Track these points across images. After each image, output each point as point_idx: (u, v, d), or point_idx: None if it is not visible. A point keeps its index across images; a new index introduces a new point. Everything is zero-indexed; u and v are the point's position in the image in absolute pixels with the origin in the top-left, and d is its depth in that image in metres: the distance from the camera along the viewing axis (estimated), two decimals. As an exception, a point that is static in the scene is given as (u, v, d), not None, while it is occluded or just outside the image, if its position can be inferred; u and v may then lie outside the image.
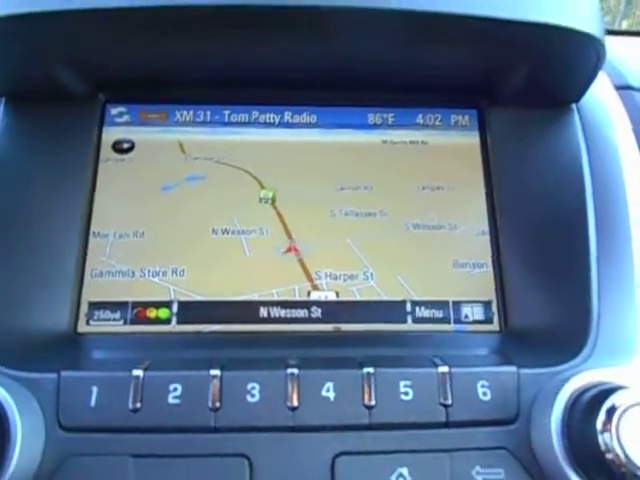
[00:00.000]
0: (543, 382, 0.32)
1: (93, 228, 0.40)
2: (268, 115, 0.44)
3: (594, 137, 0.41)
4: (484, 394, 0.32)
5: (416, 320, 0.39)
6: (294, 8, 0.32)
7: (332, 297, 0.39)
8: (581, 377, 0.31)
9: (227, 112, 0.44)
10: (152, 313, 0.38)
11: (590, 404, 0.28)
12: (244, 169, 0.42)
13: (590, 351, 0.33)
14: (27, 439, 0.29)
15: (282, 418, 0.31)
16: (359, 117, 0.44)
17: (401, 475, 0.30)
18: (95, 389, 0.31)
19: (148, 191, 0.41)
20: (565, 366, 0.33)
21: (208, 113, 0.44)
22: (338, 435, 0.31)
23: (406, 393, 0.31)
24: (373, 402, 0.31)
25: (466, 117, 0.45)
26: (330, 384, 0.31)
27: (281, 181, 0.42)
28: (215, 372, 0.31)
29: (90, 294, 0.39)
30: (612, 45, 0.41)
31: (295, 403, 0.31)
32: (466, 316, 0.39)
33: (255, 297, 0.39)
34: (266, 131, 0.44)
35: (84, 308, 0.38)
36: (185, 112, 0.44)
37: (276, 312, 0.39)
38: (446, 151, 0.44)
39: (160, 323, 0.38)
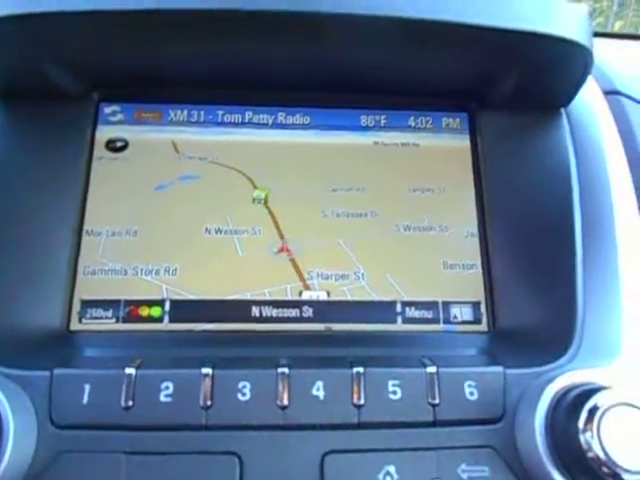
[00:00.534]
0: (528, 382, 0.33)
1: (86, 226, 0.40)
2: (262, 116, 0.44)
3: (582, 141, 0.42)
4: (471, 394, 0.32)
5: (406, 320, 0.40)
6: (292, 14, 0.33)
7: (323, 297, 0.40)
8: (565, 377, 0.31)
9: (221, 112, 0.44)
10: (144, 311, 0.39)
11: (573, 404, 0.29)
12: (237, 169, 0.43)
13: (575, 352, 0.34)
14: (19, 436, 0.29)
15: (272, 417, 0.31)
16: (352, 119, 0.45)
17: (388, 473, 0.30)
18: (87, 387, 0.31)
19: (141, 190, 0.42)
20: (550, 366, 0.33)
21: (202, 113, 0.44)
22: (327, 434, 0.31)
23: (395, 392, 0.32)
24: (362, 401, 0.32)
25: (457, 120, 0.45)
26: (320, 383, 0.32)
27: (274, 181, 0.42)
28: (207, 371, 0.32)
29: (83, 292, 0.39)
30: (601, 48, 0.42)
31: (285, 402, 0.31)
32: (455, 317, 0.40)
33: (247, 296, 0.39)
34: (259, 131, 0.44)
35: (76, 306, 0.38)
36: (179, 112, 0.44)
37: (268, 311, 0.39)
38: (437, 153, 0.44)
39: (152, 321, 0.39)
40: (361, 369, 0.32)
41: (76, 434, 0.31)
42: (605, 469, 0.27)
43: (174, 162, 0.43)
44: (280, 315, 0.39)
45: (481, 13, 0.33)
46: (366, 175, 0.43)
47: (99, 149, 0.42)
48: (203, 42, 0.37)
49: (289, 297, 0.39)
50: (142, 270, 0.39)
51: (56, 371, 0.32)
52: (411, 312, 0.40)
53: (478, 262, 0.41)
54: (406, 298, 0.40)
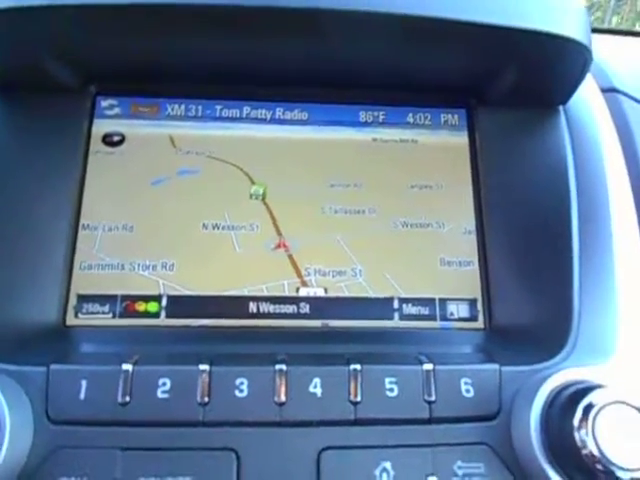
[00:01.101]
0: (524, 379, 0.33)
1: (83, 221, 0.40)
2: (260, 111, 0.44)
3: (579, 138, 0.42)
4: (467, 391, 0.32)
5: (403, 317, 0.40)
6: (291, 10, 0.32)
7: (321, 293, 0.40)
8: (560, 375, 0.32)
9: (219, 107, 0.44)
10: (141, 307, 0.39)
11: (568, 402, 0.29)
12: (235, 164, 0.43)
13: (570, 350, 0.34)
14: (16, 432, 0.29)
15: (270, 413, 0.31)
16: (350, 115, 0.45)
17: (384, 469, 0.31)
18: (84, 383, 0.31)
19: (138, 184, 0.41)
20: (546, 364, 0.34)
21: (199, 107, 0.44)
22: (324, 430, 0.31)
23: (391, 389, 0.32)
24: (359, 398, 0.32)
25: (455, 117, 0.45)
26: (317, 380, 0.32)
27: (272, 177, 0.42)
28: (204, 367, 0.32)
29: (79, 287, 0.39)
30: (599, 45, 0.42)
31: (283, 398, 0.31)
32: (452, 313, 0.40)
33: (244, 292, 0.39)
34: (257, 127, 0.44)
35: (73, 301, 0.38)
36: (176, 106, 0.44)
37: (265, 307, 0.39)
38: (435, 150, 0.44)
39: (149, 317, 0.38)
40: (358, 366, 0.32)
41: (72, 430, 0.31)
42: (599, 466, 0.27)
43: (171, 157, 0.42)
44: (277, 311, 0.39)
45: (480, 10, 0.33)
46: (364, 171, 0.43)
47: (95, 143, 0.42)
48: (201, 37, 0.37)
49: (286, 293, 0.39)
50: (139, 265, 0.39)
51: (53, 367, 0.31)
52: (408, 309, 0.40)
53: (475, 259, 0.41)
54: (403, 295, 0.40)
